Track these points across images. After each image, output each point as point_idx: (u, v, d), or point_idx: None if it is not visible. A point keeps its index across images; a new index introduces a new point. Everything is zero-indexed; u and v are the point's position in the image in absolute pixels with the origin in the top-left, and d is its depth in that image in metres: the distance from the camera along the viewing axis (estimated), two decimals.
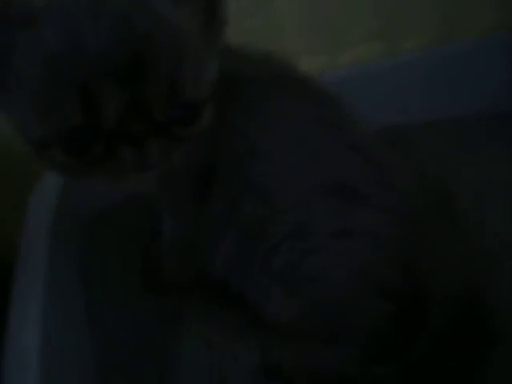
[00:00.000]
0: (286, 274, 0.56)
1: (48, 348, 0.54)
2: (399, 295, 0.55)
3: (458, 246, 0.63)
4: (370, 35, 0.90)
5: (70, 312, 0.66)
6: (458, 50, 0.90)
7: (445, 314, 0.55)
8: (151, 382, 0.60)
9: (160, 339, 0.64)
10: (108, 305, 0.68)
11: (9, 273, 0.61)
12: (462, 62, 0.90)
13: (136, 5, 0.43)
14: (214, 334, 0.63)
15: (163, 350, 0.62)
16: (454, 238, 0.64)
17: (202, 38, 0.47)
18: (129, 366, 0.61)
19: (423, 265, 0.56)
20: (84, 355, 0.63)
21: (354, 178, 0.56)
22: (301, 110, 0.58)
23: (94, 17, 0.42)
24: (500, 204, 0.75)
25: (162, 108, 0.43)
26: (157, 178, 0.50)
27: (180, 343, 0.62)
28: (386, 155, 0.61)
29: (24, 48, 0.43)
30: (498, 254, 0.68)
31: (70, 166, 0.45)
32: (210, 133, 0.51)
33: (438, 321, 0.55)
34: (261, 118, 0.57)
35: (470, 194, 0.76)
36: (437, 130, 0.89)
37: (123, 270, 0.72)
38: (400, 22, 0.91)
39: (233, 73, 0.56)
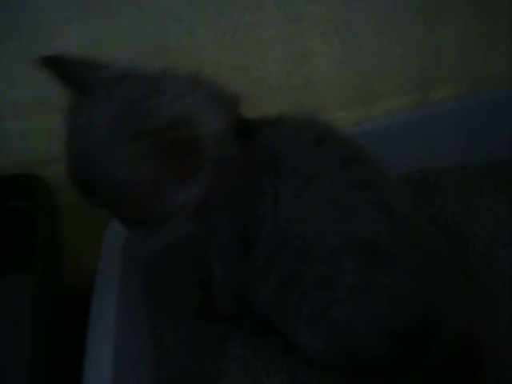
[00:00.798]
0: (313, 318, 0.66)
1: (119, 361, 0.66)
2: (407, 341, 0.64)
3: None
4: (400, 87, 1.00)
5: (138, 331, 0.79)
6: (483, 100, 0.99)
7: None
8: None
9: (208, 357, 0.76)
10: (168, 329, 0.81)
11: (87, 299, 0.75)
12: (487, 111, 0.99)
13: (100, 150, 0.59)
14: (251, 357, 0.74)
15: (210, 367, 0.74)
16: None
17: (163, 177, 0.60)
18: (182, 378, 0.74)
19: (431, 319, 0.65)
20: (144, 370, 0.76)
21: (379, 237, 0.64)
22: (335, 172, 0.66)
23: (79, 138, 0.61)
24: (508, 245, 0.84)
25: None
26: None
27: (224, 362, 0.74)
28: (414, 214, 0.69)
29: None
30: (503, 291, 0.77)
31: None
32: (248, 200, 0.66)
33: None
34: (296, 182, 0.65)
35: (484, 236, 0.85)
36: (460, 174, 0.98)
37: (181, 300, 0.85)
38: (428, 74, 1.01)
39: (270, 143, 0.68)
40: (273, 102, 0.76)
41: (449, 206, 0.91)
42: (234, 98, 0.69)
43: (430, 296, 0.65)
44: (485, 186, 0.96)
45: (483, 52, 1.01)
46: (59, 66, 0.63)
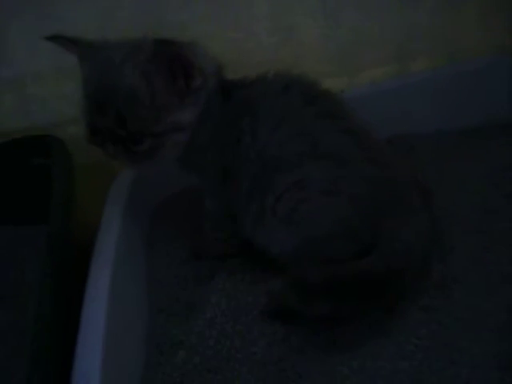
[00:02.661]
0: (287, 215, 0.78)
1: (115, 289, 0.77)
2: (363, 240, 0.76)
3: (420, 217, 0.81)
4: (381, 59, 1.09)
5: (133, 267, 0.91)
6: (459, 70, 1.08)
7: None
8: (183, 318, 0.83)
9: (196, 290, 0.87)
10: (163, 266, 0.93)
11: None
12: (462, 81, 1.07)
13: (111, 73, 0.74)
14: (232, 288, 0.86)
15: (198, 298, 0.85)
16: (419, 210, 0.82)
17: (167, 96, 0.75)
18: (172, 308, 0.85)
19: (386, 222, 0.77)
20: (142, 299, 0.87)
21: (342, 152, 0.78)
22: (302, 108, 0.81)
23: (96, 75, 0.75)
24: (470, 200, 0.93)
25: (113, 130, 0.74)
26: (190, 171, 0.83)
27: (209, 293, 0.85)
28: (375, 139, 0.83)
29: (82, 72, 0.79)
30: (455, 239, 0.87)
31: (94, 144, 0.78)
32: (227, 140, 0.81)
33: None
34: (270, 120, 0.80)
35: (446, 193, 0.94)
36: (436, 138, 1.07)
37: (177, 241, 0.96)
38: (407, 47, 1.09)
39: (247, 94, 0.83)
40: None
41: (422, 166, 1.00)
42: (221, 62, 0.84)
43: (383, 205, 0.77)
44: (456, 150, 1.05)
45: (457, 26, 1.09)
46: (66, 40, 0.80)
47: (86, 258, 0.83)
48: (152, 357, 0.79)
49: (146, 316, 0.85)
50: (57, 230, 0.89)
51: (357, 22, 1.05)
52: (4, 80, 1.00)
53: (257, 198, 0.81)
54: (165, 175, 0.96)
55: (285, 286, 0.78)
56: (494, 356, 0.70)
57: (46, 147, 1.00)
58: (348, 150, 0.79)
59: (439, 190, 0.95)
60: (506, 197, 0.93)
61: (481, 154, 1.03)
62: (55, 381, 0.70)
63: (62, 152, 1.01)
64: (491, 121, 1.09)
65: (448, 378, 0.69)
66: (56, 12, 0.96)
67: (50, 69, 1.00)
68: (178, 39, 0.72)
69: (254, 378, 0.74)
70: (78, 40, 0.79)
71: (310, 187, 0.77)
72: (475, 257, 0.84)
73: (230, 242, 0.91)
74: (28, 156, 1.01)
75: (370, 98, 1.04)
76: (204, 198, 0.89)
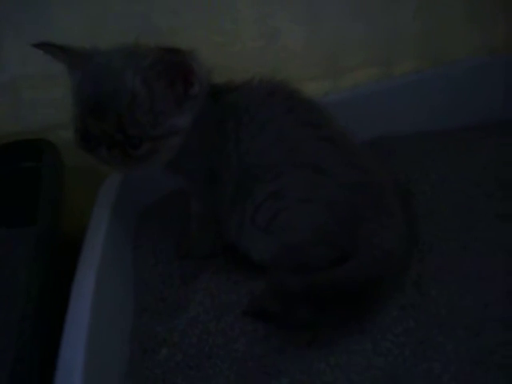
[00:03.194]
0: (265, 225, 0.80)
1: (100, 288, 0.79)
2: (342, 246, 0.78)
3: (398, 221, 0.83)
4: (365, 62, 1.11)
5: (121, 264, 0.93)
6: (441, 73, 1.11)
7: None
8: (167, 316, 0.85)
9: (181, 289, 0.89)
10: (149, 265, 0.95)
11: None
12: (445, 84, 1.10)
13: (110, 78, 0.75)
14: (215, 287, 0.88)
15: (182, 297, 0.88)
16: (397, 214, 0.84)
17: (166, 101, 0.77)
18: (157, 307, 0.87)
19: (364, 228, 0.79)
20: (127, 298, 0.89)
21: (320, 160, 0.80)
22: (284, 116, 0.84)
23: (92, 81, 0.76)
24: (451, 199, 0.95)
25: (111, 134, 0.75)
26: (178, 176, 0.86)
27: (193, 292, 0.88)
28: (357, 147, 0.86)
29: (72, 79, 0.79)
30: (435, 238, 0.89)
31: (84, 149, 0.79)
32: (214, 144, 0.83)
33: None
34: (253, 126, 0.83)
35: (428, 193, 0.97)
36: (417, 140, 1.10)
37: (163, 242, 0.98)
38: (390, 50, 1.11)
39: (232, 99, 0.85)
40: (248, 75, 0.87)
41: (403, 167, 1.02)
42: (208, 67, 0.83)
43: (361, 211, 0.79)
44: (436, 151, 1.06)
45: (442, 29, 1.10)
46: (53, 48, 0.80)
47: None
48: (135, 354, 0.81)
49: (130, 314, 0.87)
50: (45, 231, 0.90)
51: (341, 26, 1.07)
52: None
53: (238, 205, 0.83)
54: (152, 178, 0.98)
55: (266, 290, 0.82)
56: (467, 351, 0.72)
57: (36, 151, 1.02)
58: (326, 156, 0.81)
59: (421, 190, 0.97)
60: (487, 196, 0.95)
61: (465, 154, 1.06)
62: (39, 376, 0.71)
63: (53, 155, 1.02)
64: (474, 122, 1.11)
65: (421, 373, 0.71)
66: (47, 18, 0.98)
67: (42, 74, 1.01)
68: (178, 47, 0.75)
69: (235, 374, 0.76)
70: (67, 48, 0.80)
71: (287, 196, 0.79)
72: (453, 256, 0.86)
73: (215, 242, 0.93)
74: (19, 159, 1.04)
75: (354, 100, 1.06)
76: (190, 200, 0.92)
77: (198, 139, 0.83)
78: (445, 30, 1.11)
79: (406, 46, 1.12)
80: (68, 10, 0.98)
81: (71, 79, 0.80)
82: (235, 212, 0.84)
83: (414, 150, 1.07)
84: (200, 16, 1.02)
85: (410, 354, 0.74)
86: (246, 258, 0.87)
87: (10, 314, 0.88)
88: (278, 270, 0.80)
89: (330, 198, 0.79)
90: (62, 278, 0.84)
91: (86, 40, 0.96)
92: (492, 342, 0.73)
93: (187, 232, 0.95)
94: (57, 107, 1.03)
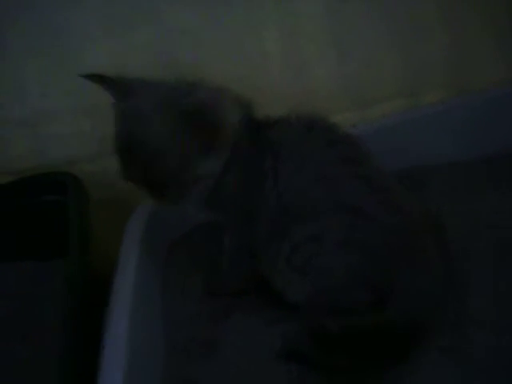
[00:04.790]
0: (302, 266, 0.79)
1: (134, 329, 0.77)
2: (378, 290, 0.77)
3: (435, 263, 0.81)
4: (392, 93, 1.10)
5: (150, 306, 0.90)
6: (469, 103, 1.09)
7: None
8: (199, 357, 0.83)
9: (211, 329, 0.87)
10: (178, 304, 0.93)
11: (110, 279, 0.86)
12: (473, 114, 1.08)
13: (140, 125, 0.77)
14: (249, 327, 0.86)
15: (213, 337, 0.86)
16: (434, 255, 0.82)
17: (193, 150, 0.77)
18: (188, 348, 0.85)
19: (401, 271, 0.77)
20: (157, 340, 0.87)
21: (359, 200, 0.79)
22: (323, 151, 0.83)
23: (124, 123, 0.79)
24: (485, 234, 0.93)
25: (141, 176, 0.78)
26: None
27: (224, 332, 0.86)
28: (392, 183, 0.84)
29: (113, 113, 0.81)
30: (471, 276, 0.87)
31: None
32: (251, 182, 0.83)
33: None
34: (292, 162, 0.82)
35: (461, 228, 0.95)
36: (447, 172, 1.08)
37: (192, 279, 0.97)
38: (418, 81, 1.10)
39: (271, 135, 0.85)
40: (275, 108, 0.86)
41: (433, 200, 1.00)
42: (248, 101, 0.86)
43: (397, 252, 0.78)
44: (468, 183, 1.05)
45: (467, 60, 1.10)
46: (103, 80, 0.83)
47: (106, 290, 0.84)
48: None
49: (162, 355, 0.85)
50: (74, 264, 0.90)
51: (368, 57, 1.06)
52: (18, 119, 1.01)
53: (274, 243, 0.82)
54: (180, 211, 0.96)
55: (300, 332, 0.80)
56: None
57: (60, 184, 1.02)
58: (364, 197, 0.80)
59: (453, 224, 0.95)
60: None
61: (495, 185, 1.04)
62: None
63: (77, 188, 1.02)
64: (504, 152, 1.09)
65: None
66: (70, 53, 0.98)
67: (64, 107, 1.01)
68: (208, 93, 0.78)
69: None
70: (115, 79, 0.82)
71: (326, 240, 0.78)
72: (491, 294, 0.84)
73: (247, 279, 0.91)
74: (43, 192, 1.03)
75: (381, 131, 1.05)
76: (223, 234, 0.90)
77: (235, 177, 0.83)
78: (472, 60, 1.10)
79: (433, 77, 1.11)
80: (92, 45, 0.98)
81: (115, 110, 0.82)
82: (270, 250, 0.83)
83: (442, 181, 1.05)
84: (226, 50, 1.01)
85: None
86: (278, 296, 0.85)
87: (42, 352, 0.86)
88: (312, 312, 0.79)
89: (368, 242, 0.78)
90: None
91: (109, 74, 0.97)
92: None
93: (217, 267, 0.93)
94: (80, 140, 1.04)
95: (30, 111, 1.01)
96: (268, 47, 1.02)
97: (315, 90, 1.05)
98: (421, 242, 0.81)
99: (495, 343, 0.77)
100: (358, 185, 0.80)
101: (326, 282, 0.78)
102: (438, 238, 0.88)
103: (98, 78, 0.82)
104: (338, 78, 1.07)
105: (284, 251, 0.81)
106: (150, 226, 0.96)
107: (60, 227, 0.95)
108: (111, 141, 0.79)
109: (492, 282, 0.86)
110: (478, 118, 1.09)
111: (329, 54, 1.05)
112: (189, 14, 0.98)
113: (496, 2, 1.09)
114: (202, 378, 0.80)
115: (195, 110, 0.75)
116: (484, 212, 0.98)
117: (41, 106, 1.01)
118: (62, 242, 0.92)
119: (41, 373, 0.82)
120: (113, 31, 0.97)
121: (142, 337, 0.81)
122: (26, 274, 1.00)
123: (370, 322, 0.74)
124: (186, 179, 0.79)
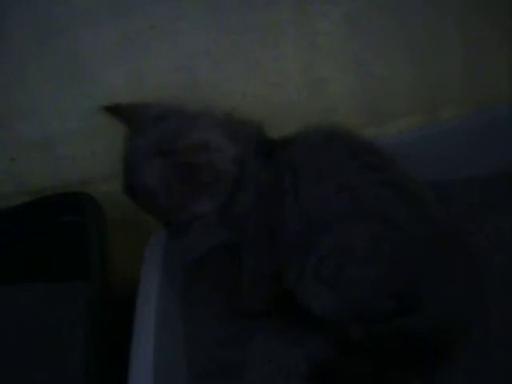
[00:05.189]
0: (330, 278, 0.79)
1: (158, 353, 0.77)
2: (406, 299, 0.77)
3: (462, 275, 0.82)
4: (409, 109, 1.10)
5: (173, 330, 0.91)
6: (486, 118, 1.09)
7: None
8: (223, 381, 0.84)
9: (235, 350, 0.87)
10: (201, 325, 0.93)
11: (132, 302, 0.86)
12: (490, 128, 1.08)
13: (136, 167, 0.80)
14: (273, 349, 0.86)
15: (237, 358, 0.86)
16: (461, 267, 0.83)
17: (184, 193, 0.78)
18: (211, 371, 0.85)
19: (428, 281, 0.78)
20: (181, 363, 0.87)
21: (385, 208, 0.78)
22: (345, 161, 0.81)
23: (125, 162, 0.82)
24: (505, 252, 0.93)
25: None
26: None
27: (249, 354, 0.86)
28: (420, 188, 0.83)
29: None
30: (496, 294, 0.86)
31: None
32: (270, 202, 0.82)
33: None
34: (311, 175, 0.81)
35: (482, 243, 0.95)
36: (467, 186, 1.08)
37: (213, 299, 0.97)
38: (435, 97, 1.10)
39: (287, 153, 0.84)
40: (293, 125, 0.86)
41: (453, 214, 1.00)
42: (255, 125, 0.86)
43: (425, 264, 0.78)
44: (489, 197, 1.05)
45: (484, 75, 1.09)
46: (118, 111, 0.85)
47: (122, 311, 0.85)
48: None
49: (185, 379, 0.85)
50: (95, 285, 0.90)
51: (386, 73, 1.06)
52: (34, 141, 1.01)
53: (299, 257, 0.81)
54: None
55: (326, 348, 0.81)
56: None
57: (77, 204, 1.01)
58: (391, 205, 0.79)
59: (476, 241, 0.95)
60: None
61: None
62: None
63: (95, 208, 1.01)
64: None
65: None
66: (85, 73, 0.97)
67: (80, 128, 1.01)
68: (201, 132, 0.79)
69: None
70: (128, 110, 0.85)
71: (353, 250, 0.78)
72: None
73: (269, 299, 0.90)
74: (59, 213, 1.03)
75: (399, 147, 1.04)
76: (242, 255, 0.89)
77: (250, 198, 0.83)
78: (489, 75, 1.10)
79: (450, 92, 1.10)
80: (109, 63, 0.97)
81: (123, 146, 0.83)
82: (295, 264, 0.82)
83: (462, 197, 1.05)
84: (243, 68, 1.01)
85: None
86: (302, 313, 0.84)
87: (62, 375, 0.87)
88: (339, 322, 0.80)
89: (395, 251, 0.77)
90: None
91: (127, 94, 0.97)
92: None
93: (238, 288, 0.92)
94: (95, 161, 1.04)
95: (45, 132, 1.00)
96: (285, 65, 1.02)
97: (333, 107, 1.05)
98: (449, 253, 0.81)
99: None
100: (385, 193, 0.79)
101: (354, 292, 0.78)
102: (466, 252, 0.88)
103: (114, 110, 0.85)
104: (356, 94, 1.07)
105: (311, 263, 0.80)
106: (169, 250, 0.96)
107: (79, 248, 0.94)
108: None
109: None
110: (495, 132, 1.08)
111: (347, 70, 1.04)
112: (206, 33, 0.97)
113: None
114: None
115: (185, 154, 0.77)
116: (504, 227, 0.98)
117: (56, 127, 1.01)
118: (81, 262, 0.92)
119: None
120: (130, 51, 0.96)
121: (166, 361, 0.81)
122: (45, 295, 1.01)
123: (396, 328, 0.75)
124: (184, 218, 0.81)
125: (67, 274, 0.99)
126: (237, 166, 0.81)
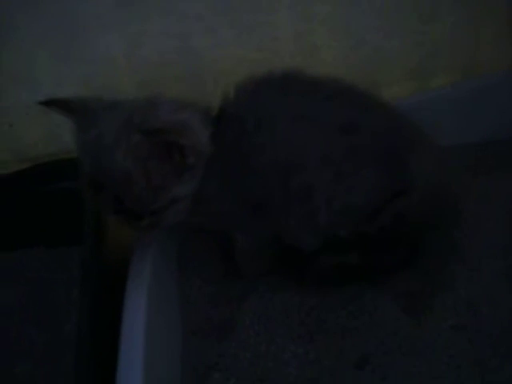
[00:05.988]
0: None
1: (152, 310, 0.78)
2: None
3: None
4: (400, 77, 1.12)
5: (168, 290, 0.92)
6: (476, 85, 1.11)
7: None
8: (217, 339, 0.85)
9: (228, 311, 0.89)
10: (196, 287, 0.95)
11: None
12: (479, 96, 1.10)
13: (104, 157, 0.73)
14: (264, 309, 0.88)
15: (229, 318, 0.88)
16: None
17: (163, 176, 0.74)
18: (205, 330, 0.87)
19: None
20: (176, 320, 0.89)
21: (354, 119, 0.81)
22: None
23: (88, 156, 0.76)
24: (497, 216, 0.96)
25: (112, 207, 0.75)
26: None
27: (241, 314, 0.88)
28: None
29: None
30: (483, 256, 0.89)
31: None
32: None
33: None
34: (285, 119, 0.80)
35: (472, 209, 0.97)
36: (457, 154, 1.08)
37: (208, 263, 0.98)
38: (425, 65, 1.11)
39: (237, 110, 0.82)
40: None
41: None
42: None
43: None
44: (478, 164, 1.07)
45: (474, 44, 1.11)
46: (62, 105, 0.80)
47: (119, 276, 0.85)
48: (187, 378, 0.81)
49: (179, 337, 0.87)
50: (90, 251, 0.90)
51: (377, 41, 1.07)
52: (30, 107, 1.01)
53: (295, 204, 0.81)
54: None
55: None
56: None
57: (73, 170, 1.01)
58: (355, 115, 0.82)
59: (465, 205, 0.96)
60: None
61: (505, 167, 1.06)
62: None
63: None
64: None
65: None
66: (83, 39, 0.98)
67: (76, 94, 1.00)
68: (168, 112, 0.77)
69: None
70: (77, 104, 0.79)
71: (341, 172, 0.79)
72: (501, 273, 0.86)
73: (265, 264, 0.91)
74: (57, 179, 1.04)
75: None
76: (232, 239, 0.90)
77: (217, 181, 0.81)
78: (481, 43, 1.11)
79: (441, 60, 1.12)
80: (106, 30, 0.98)
81: (77, 139, 0.79)
82: (295, 210, 0.82)
83: (453, 163, 1.06)
84: (238, 34, 1.01)
85: (467, 376, 0.73)
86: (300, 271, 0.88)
87: (57, 336, 0.90)
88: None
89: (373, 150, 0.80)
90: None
91: (123, 60, 0.98)
92: None
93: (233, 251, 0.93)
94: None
95: (42, 98, 1.01)
96: (279, 32, 1.03)
97: (324, 73, 1.05)
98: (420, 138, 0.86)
99: (509, 321, 0.79)
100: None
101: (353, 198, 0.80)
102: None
103: (62, 104, 0.79)
104: (349, 62, 1.08)
105: (315, 206, 0.80)
106: None
107: (75, 214, 0.94)
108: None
109: (503, 263, 0.88)
110: (485, 100, 1.10)
111: (340, 38, 1.06)
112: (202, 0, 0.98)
113: None
114: (221, 361, 0.82)
115: (155, 131, 0.73)
116: (494, 194, 1.00)
117: (52, 92, 1.01)
118: (77, 228, 0.92)
119: (56, 356, 0.86)
120: (126, 18, 0.97)
121: (160, 319, 0.83)
122: (41, 260, 1.03)
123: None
124: (160, 205, 0.76)
125: (66, 240, 1.02)
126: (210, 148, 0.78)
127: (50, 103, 0.79)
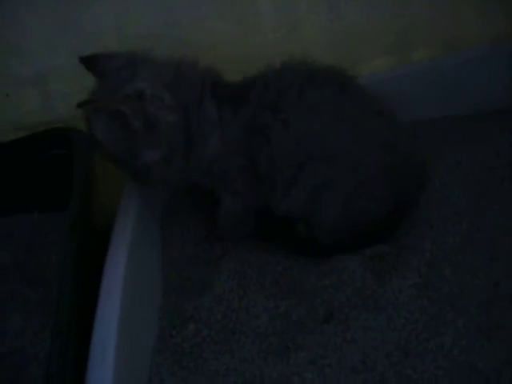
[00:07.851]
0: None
1: (132, 266, 0.83)
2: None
3: None
4: (381, 50, 1.15)
5: (151, 244, 0.98)
6: (455, 60, 1.14)
7: None
8: (194, 295, 0.90)
9: (207, 269, 0.95)
10: (177, 247, 1.00)
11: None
12: (459, 70, 1.13)
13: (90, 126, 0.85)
14: (240, 268, 0.93)
15: (207, 276, 0.93)
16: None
17: (122, 140, 0.84)
18: (184, 286, 0.92)
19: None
20: (156, 277, 0.95)
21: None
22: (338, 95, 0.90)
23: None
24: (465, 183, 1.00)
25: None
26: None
27: (218, 272, 0.92)
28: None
29: None
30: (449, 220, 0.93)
31: None
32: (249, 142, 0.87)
33: None
34: (302, 109, 0.87)
35: (445, 176, 1.01)
36: (435, 125, 1.13)
37: (191, 224, 1.03)
38: (406, 38, 1.14)
39: (261, 93, 0.88)
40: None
41: (422, 150, 1.04)
42: (206, 72, 0.90)
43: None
44: (450, 136, 1.10)
45: (454, 18, 1.13)
46: (91, 62, 0.88)
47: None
48: (165, 330, 0.86)
49: (159, 293, 0.92)
50: (77, 215, 0.95)
51: (358, 15, 1.10)
52: (25, 77, 1.06)
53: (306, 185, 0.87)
54: None
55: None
56: (477, 327, 0.76)
57: (66, 139, 1.07)
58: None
59: (438, 174, 1.01)
60: (500, 180, 0.99)
61: (478, 138, 1.09)
62: (75, 351, 0.76)
63: (82, 143, 1.06)
64: (489, 107, 1.14)
65: (433, 347, 0.75)
66: (72, 12, 1.02)
67: (70, 64, 1.05)
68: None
69: (257, 348, 0.81)
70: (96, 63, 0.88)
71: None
72: (466, 237, 0.90)
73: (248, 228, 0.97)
74: (50, 147, 1.09)
75: (371, 87, 1.09)
76: (220, 195, 0.95)
77: (226, 145, 0.88)
78: (460, 18, 1.13)
79: (421, 34, 1.14)
80: (93, 4, 1.02)
81: None
82: (293, 194, 0.88)
83: (429, 135, 1.10)
84: (220, 8, 1.05)
85: (422, 329, 0.78)
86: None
87: (46, 294, 0.94)
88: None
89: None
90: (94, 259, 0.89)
91: (112, 33, 1.02)
92: (501, 318, 0.77)
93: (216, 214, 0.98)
94: (85, 96, 1.08)
95: (37, 69, 1.06)
96: (260, 6, 1.07)
97: (307, 47, 1.09)
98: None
99: (469, 282, 0.83)
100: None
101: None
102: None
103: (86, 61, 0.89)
104: (330, 36, 1.11)
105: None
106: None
107: (66, 181, 0.99)
108: None
109: (468, 226, 0.92)
110: (463, 74, 1.13)
111: (320, 12, 1.09)
112: None
113: None
114: (197, 314, 0.87)
115: (115, 103, 0.81)
116: (466, 164, 1.03)
117: (46, 63, 1.06)
118: (68, 194, 0.97)
119: (49, 311, 0.90)
120: None
121: (140, 275, 0.88)
122: (35, 225, 1.08)
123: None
124: (139, 167, 0.85)
125: (55, 206, 1.06)
126: (180, 114, 0.85)
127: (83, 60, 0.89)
